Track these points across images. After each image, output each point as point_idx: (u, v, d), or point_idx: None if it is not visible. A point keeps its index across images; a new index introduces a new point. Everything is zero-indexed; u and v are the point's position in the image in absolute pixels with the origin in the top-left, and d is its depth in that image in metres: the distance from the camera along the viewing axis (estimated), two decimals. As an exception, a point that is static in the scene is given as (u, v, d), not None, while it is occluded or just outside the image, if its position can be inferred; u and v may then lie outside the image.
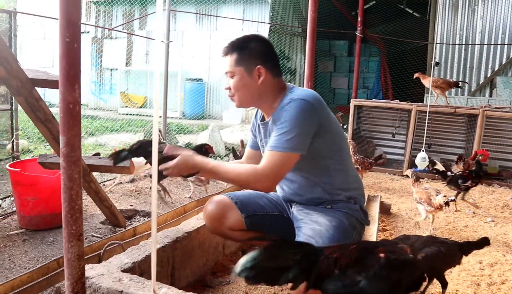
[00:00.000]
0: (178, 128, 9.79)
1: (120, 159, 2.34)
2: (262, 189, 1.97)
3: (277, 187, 2.23)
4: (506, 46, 8.06)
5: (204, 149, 2.33)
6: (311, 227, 1.89)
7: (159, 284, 1.70)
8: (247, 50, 2.03)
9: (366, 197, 3.74)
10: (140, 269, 1.95)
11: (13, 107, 4.39)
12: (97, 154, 4.27)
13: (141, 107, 12.63)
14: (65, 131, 1.41)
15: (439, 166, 4.46)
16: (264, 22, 10.65)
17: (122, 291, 1.64)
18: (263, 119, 2.19)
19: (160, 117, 6.08)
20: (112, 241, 2.37)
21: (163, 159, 1.94)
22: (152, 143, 1.95)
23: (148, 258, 2.02)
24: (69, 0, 1.33)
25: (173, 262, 2.24)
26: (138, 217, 3.78)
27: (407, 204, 4.38)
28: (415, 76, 5.99)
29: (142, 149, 2.30)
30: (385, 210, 4.00)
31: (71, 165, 1.42)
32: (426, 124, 5.40)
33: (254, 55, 2.02)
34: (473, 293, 2.45)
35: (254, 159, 2.27)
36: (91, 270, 1.82)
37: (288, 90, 2.04)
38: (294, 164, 1.90)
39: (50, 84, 2.36)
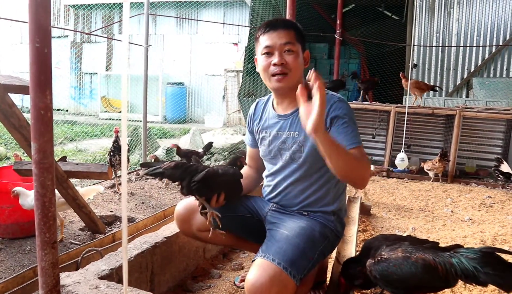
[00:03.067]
0: (160, 132, 9.73)
1: (150, 172, 1.93)
2: (366, 181, 1.81)
3: (268, 187, 2.17)
4: (481, 47, 8.24)
5: (239, 163, 2.14)
6: (281, 231, 1.89)
7: (137, 291, 1.68)
8: (301, 32, 1.97)
9: (346, 199, 3.78)
10: (118, 275, 1.93)
11: (-12, 113, 4.29)
12: (63, 158, 4.25)
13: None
14: (37, 138, 1.39)
15: (506, 167, 4.45)
16: (245, 26, 10.67)
17: (98, 299, 1.62)
18: (273, 110, 2.10)
19: (140, 121, 6.03)
20: (90, 248, 2.34)
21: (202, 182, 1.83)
22: (193, 166, 1.91)
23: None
24: (39, 4, 1.30)
25: (152, 267, 2.22)
26: (118, 223, 3.73)
27: (387, 205, 4.43)
28: (400, 75, 6.06)
29: (180, 171, 1.92)
30: (365, 211, 4.04)
31: (43, 172, 1.40)
32: (405, 125, 5.48)
33: (304, 39, 1.98)
34: (451, 291, 2.48)
35: (256, 160, 2.24)
36: (67, 278, 1.79)
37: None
38: (306, 167, 1.93)
39: (23, 90, 2.32)
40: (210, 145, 5.46)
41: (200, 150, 5.35)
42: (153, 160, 5.02)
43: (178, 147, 5.14)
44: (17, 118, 2.28)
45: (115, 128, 4.73)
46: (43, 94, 1.37)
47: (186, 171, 1.91)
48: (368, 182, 1.93)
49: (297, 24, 2.02)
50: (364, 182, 1.82)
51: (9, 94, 2.37)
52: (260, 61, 1.98)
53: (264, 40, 1.94)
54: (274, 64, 1.90)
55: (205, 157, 6.78)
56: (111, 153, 4.46)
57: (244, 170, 2.26)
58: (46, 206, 1.42)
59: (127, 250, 0.98)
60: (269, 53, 1.93)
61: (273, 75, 1.92)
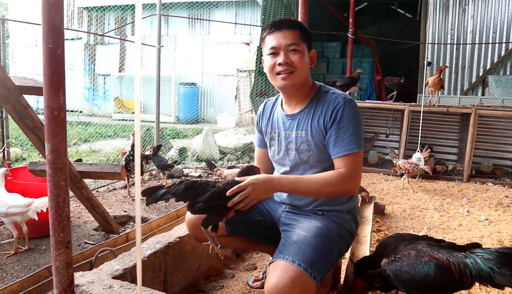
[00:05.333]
0: (172, 133, 9.77)
1: (155, 198, 1.84)
2: (350, 192, 1.93)
3: None
4: (497, 45, 8.10)
5: (252, 173, 1.99)
6: (297, 232, 1.87)
7: (150, 291, 1.69)
8: (307, 31, 1.98)
9: (360, 200, 3.75)
10: (131, 275, 1.93)
11: (3, 115, 4.35)
12: (79, 160, 4.22)
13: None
14: (50, 138, 1.39)
15: None
16: (257, 25, 10.67)
17: (112, 299, 1.62)
18: (282, 110, 2.11)
19: (153, 122, 6.06)
20: (104, 248, 2.35)
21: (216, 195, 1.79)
22: (202, 182, 1.86)
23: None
24: (52, 6, 1.31)
25: (165, 268, 2.22)
26: (132, 223, 3.76)
27: (402, 205, 4.38)
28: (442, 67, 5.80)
29: (189, 191, 1.84)
30: (379, 210, 4.00)
31: (57, 172, 1.41)
32: (420, 124, 5.41)
33: (310, 38, 2.00)
34: (467, 292, 2.44)
35: (264, 161, 2.22)
36: (81, 278, 1.80)
37: (318, 85, 2.04)
38: (316, 165, 1.95)
39: (37, 91, 2.35)
40: (159, 147, 5.18)
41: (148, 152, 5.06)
42: (151, 151, 4.99)
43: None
44: (31, 119, 2.31)
45: (133, 131, 4.53)
46: (56, 95, 1.38)
47: (191, 191, 1.84)
48: (356, 191, 1.97)
49: (303, 24, 2.02)
50: (346, 193, 1.95)
51: (24, 95, 2.40)
52: (266, 61, 1.99)
53: (270, 41, 1.95)
54: (279, 64, 1.92)
55: (217, 157, 6.79)
56: (131, 158, 4.26)
57: None
58: (60, 206, 1.43)
59: (141, 251, 0.97)
60: (274, 53, 1.94)
61: (278, 73, 1.93)
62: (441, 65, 8.42)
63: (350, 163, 1.84)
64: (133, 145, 4.33)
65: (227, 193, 1.73)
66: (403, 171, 4.91)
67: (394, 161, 5.13)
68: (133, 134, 4.43)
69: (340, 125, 1.86)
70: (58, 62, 1.38)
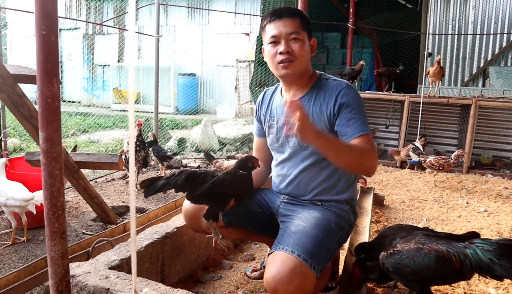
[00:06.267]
0: (171, 123, 9.74)
1: (154, 190, 1.83)
2: (373, 169, 1.83)
3: (277, 177, 2.13)
4: (498, 35, 8.04)
5: (250, 164, 1.96)
6: (296, 223, 1.85)
7: (146, 281, 1.67)
8: (307, 19, 1.96)
9: (359, 190, 3.73)
10: (128, 265, 1.92)
11: (-1, 104, 4.31)
12: (75, 148, 4.19)
13: (134, 103, 12.53)
14: (44, 127, 1.37)
15: None
16: (256, 15, 10.58)
17: (108, 289, 1.61)
18: (282, 98, 2.08)
19: (152, 112, 6.03)
20: (101, 238, 2.34)
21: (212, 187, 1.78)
22: (202, 173, 1.85)
23: (136, 254, 1.98)
24: (44, -9, 1.28)
25: (163, 258, 2.21)
26: (130, 213, 3.74)
27: (401, 196, 4.37)
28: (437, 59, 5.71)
29: (190, 182, 1.83)
30: (378, 201, 3.99)
31: (51, 162, 1.38)
32: (420, 115, 5.38)
33: (310, 27, 1.97)
34: (466, 283, 2.43)
35: (263, 151, 2.20)
36: (77, 268, 1.78)
37: (318, 73, 2.03)
38: (315, 153, 1.90)
39: (32, 79, 2.31)
40: (155, 138, 5.08)
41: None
42: (152, 138, 4.97)
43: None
44: (27, 108, 2.28)
45: (138, 121, 4.46)
46: (50, 82, 1.35)
47: (191, 182, 1.84)
48: (376, 170, 1.89)
49: (303, 12, 2.00)
50: (370, 171, 1.83)
51: (22, 85, 2.37)
52: (267, 50, 1.97)
53: (270, 29, 1.93)
54: (280, 53, 1.90)
55: (216, 148, 6.77)
56: (136, 149, 4.19)
57: None
58: (54, 196, 1.41)
59: (136, 242, 0.96)
60: (275, 42, 1.92)
61: (280, 62, 1.91)
62: (441, 56, 8.37)
63: (370, 141, 1.81)
64: (138, 136, 4.29)
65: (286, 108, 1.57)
66: (437, 168, 4.66)
67: (422, 159, 4.82)
68: (138, 124, 4.37)
69: (349, 108, 1.84)
70: (51, 49, 1.34)
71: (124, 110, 11.83)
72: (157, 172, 5.24)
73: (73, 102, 13.35)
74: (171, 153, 5.12)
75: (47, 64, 1.35)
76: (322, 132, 1.64)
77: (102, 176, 4.88)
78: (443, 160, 4.64)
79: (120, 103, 12.81)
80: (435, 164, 4.65)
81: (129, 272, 1.85)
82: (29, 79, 2.31)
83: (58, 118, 1.40)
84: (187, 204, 2.12)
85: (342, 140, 1.79)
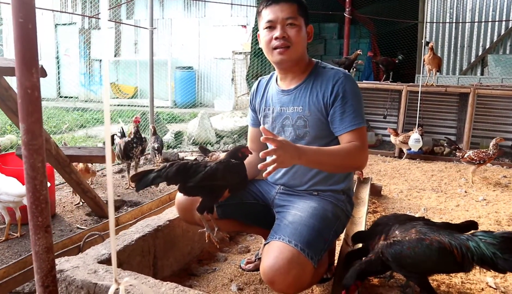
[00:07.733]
0: (169, 117, 9.68)
1: (145, 184, 1.79)
2: (363, 164, 1.87)
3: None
4: (497, 23, 7.97)
5: (240, 154, 1.90)
6: (293, 212, 1.82)
7: (136, 275, 1.64)
8: (304, 5, 1.92)
9: (356, 181, 3.70)
10: (118, 259, 1.89)
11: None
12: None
13: (132, 97, 12.48)
14: (25, 118, 1.32)
15: None
16: (253, 6, 10.50)
17: (96, 284, 1.58)
18: (277, 86, 2.05)
19: (147, 106, 5.98)
20: (92, 232, 2.31)
21: (207, 178, 1.76)
22: (194, 163, 1.81)
23: (126, 248, 1.96)
24: (19, -24, 1.23)
25: (155, 251, 2.18)
26: (125, 207, 3.71)
27: (399, 186, 4.33)
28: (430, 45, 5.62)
29: (181, 173, 1.79)
30: (376, 191, 3.95)
31: (33, 154, 1.34)
32: (418, 104, 5.33)
33: (307, 13, 1.93)
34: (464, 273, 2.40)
35: (258, 141, 2.14)
36: (66, 263, 1.75)
37: (315, 61, 2.00)
38: (312, 143, 1.88)
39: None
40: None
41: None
42: (152, 130, 5.07)
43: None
44: (13, 101, 2.23)
45: (136, 118, 4.42)
46: (29, 72, 1.31)
47: (182, 173, 1.80)
48: (366, 164, 1.89)
49: None
50: (359, 168, 1.88)
51: (8, 78, 2.32)
52: (262, 35, 1.93)
53: (266, 14, 1.88)
54: (276, 38, 1.85)
55: (213, 141, 6.73)
56: (133, 145, 4.21)
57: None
58: (37, 189, 1.37)
59: (115, 236, 0.93)
60: (271, 27, 1.88)
61: (275, 48, 1.86)
62: (439, 44, 8.31)
63: (360, 136, 1.80)
64: (136, 132, 4.28)
65: (261, 155, 1.56)
66: (478, 162, 4.37)
67: (459, 154, 4.52)
68: (135, 121, 4.35)
69: (344, 100, 1.81)
70: (30, 37, 1.30)
71: (121, 105, 11.76)
72: (154, 165, 5.21)
73: (70, 97, 13.27)
74: (158, 145, 5.11)
75: (25, 53, 1.30)
76: (301, 150, 1.63)
77: (98, 171, 4.84)
78: (483, 153, 4.38)
79: (117, 97, 12.75)
80: (475, 158, 4.37)
81: (120, 265, 1.83)
82: (12, 71, 2.26)
83: (39, 109, 1.36)
84: (180, 196, 2.08)
85: (325, 149, 1.75)
